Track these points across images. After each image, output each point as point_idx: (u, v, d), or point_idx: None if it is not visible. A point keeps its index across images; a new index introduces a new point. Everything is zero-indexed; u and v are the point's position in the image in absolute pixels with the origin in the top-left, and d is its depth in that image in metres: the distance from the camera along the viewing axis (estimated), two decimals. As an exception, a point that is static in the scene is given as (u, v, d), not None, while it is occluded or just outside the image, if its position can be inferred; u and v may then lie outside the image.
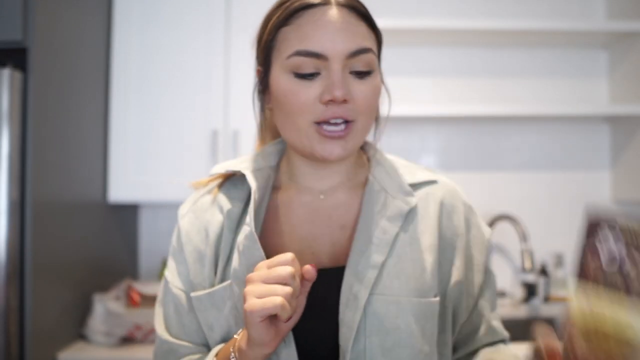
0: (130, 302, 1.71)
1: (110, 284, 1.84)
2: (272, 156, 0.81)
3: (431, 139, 2.22)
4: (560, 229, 2.22)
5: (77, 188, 1.66)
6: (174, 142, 1.85)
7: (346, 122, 0.69)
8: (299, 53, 0.68)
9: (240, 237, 0.73)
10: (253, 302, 0.61)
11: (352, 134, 0.70)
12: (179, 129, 1.85)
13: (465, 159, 2.21)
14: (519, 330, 2.01)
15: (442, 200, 0.78)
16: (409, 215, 0.75)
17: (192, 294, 0.75)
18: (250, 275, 0.64)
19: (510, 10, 2.24)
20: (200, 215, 0.78)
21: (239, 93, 1.84)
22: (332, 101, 0.67)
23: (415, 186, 0.78)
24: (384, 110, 0.81)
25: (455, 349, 0.81)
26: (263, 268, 0.64)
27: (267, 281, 0.62)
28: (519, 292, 2.16)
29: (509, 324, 2.13)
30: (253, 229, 0.71)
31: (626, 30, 2.00)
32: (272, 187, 0.80)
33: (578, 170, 2.24)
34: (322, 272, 0.69)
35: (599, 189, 2.23)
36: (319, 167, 0.76)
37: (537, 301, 2.02)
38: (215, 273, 0.75)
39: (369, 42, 0.70)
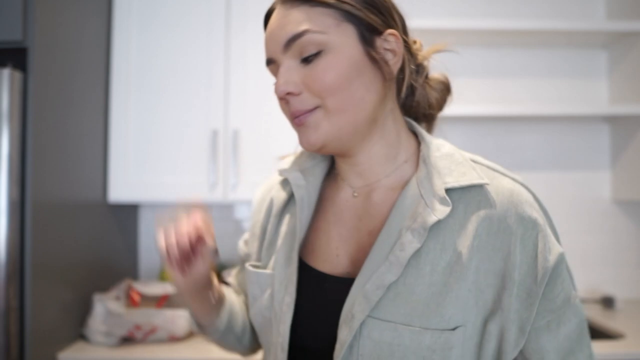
0: (130, 302, 1.71)
1: (110, 284, 1.84)
2: (327, 157, 0.80)
3: (431, 139, 2.22)
4: (560, 229, 2.21)
5: (77, 188, 1.66)
6: (174, 142, 1.85)
7: (297, 115, 0.67)
8: (266, 65, 0.70)
9: (282, 230, 0.77)
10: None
11: (316, 118, 0.66)
12: (179, 129, 1.85)
13: (465, 159, 2.20)
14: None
15: (489, 213, 0.64)
16: (437, 229, 0.64)
17: (246, 265, 0.80)
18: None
19: (510, 10, 2.24)
20: (263, 194, 0.85)
21: (239, 93, 1.84)
22: (282, 98, 0.67)
23: (456, 191, 0.65)
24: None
25: None
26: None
27: None
28: (519, 292, 2.16)
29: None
30: (297, 245, 0.73)
31: (626, 30, 2.00)
32: (329, 176, 0.79)
33: (578, 170, 2.24)
34: (338, 280, 0.69)
35: (599, 189, 2.23)
36: (346, 162, 0.73)
37: (537, 301, 2.02)
38: (261, 252, 0.81)
39: (305, 23, 0.64)
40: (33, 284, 1.38)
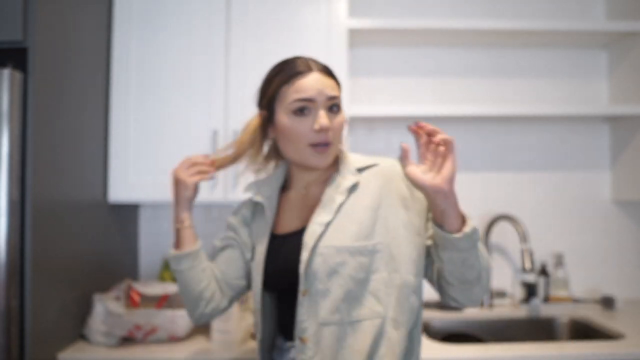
0: (130, 302, 1.71)
1: (110, 284, 1.84)
2: (281, 175, 1.23)
3: (431, 139, 2.21)
4: (560, 229, 2.22)
5: (77, 188, 1.66)
6: (174, 142, 1.85)
7: (327, 144, 1.09)
8: (298, 100, 1.08)
9: (255, 228, 1.22)
10: None
11: (330, 151, 1.10)
12: (179, 129, 1.85)
13: (465, 159, 2.21)
14: (519, 330, 2.01)
15: (382, 175, 1.11)
16: (354, 188, 1.10)
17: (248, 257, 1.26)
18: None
19: (510, 10, 2.24)
20: (237, 219, 1.29)
21: (239, 93, 1.84)
22: (321, 128, 1.07)
23: (362, 169, 1.13)
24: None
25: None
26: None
27: None
28: (519, 292, 2.16)
29: (509, 323, 2.14)
30: (269, 226, 1.18)
31: (626, 30, 2.01)
32: (283, 190, 1.23)
33: (578, 170, 2.24)
34: (292, 234, 1.12)
35: (599, 189, 2.24)
36: (305, 172, 1.17)
37: (537, 301, 2.02)
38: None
39: (337, 91, 1.11)
40: (33, 284, 1.39)
